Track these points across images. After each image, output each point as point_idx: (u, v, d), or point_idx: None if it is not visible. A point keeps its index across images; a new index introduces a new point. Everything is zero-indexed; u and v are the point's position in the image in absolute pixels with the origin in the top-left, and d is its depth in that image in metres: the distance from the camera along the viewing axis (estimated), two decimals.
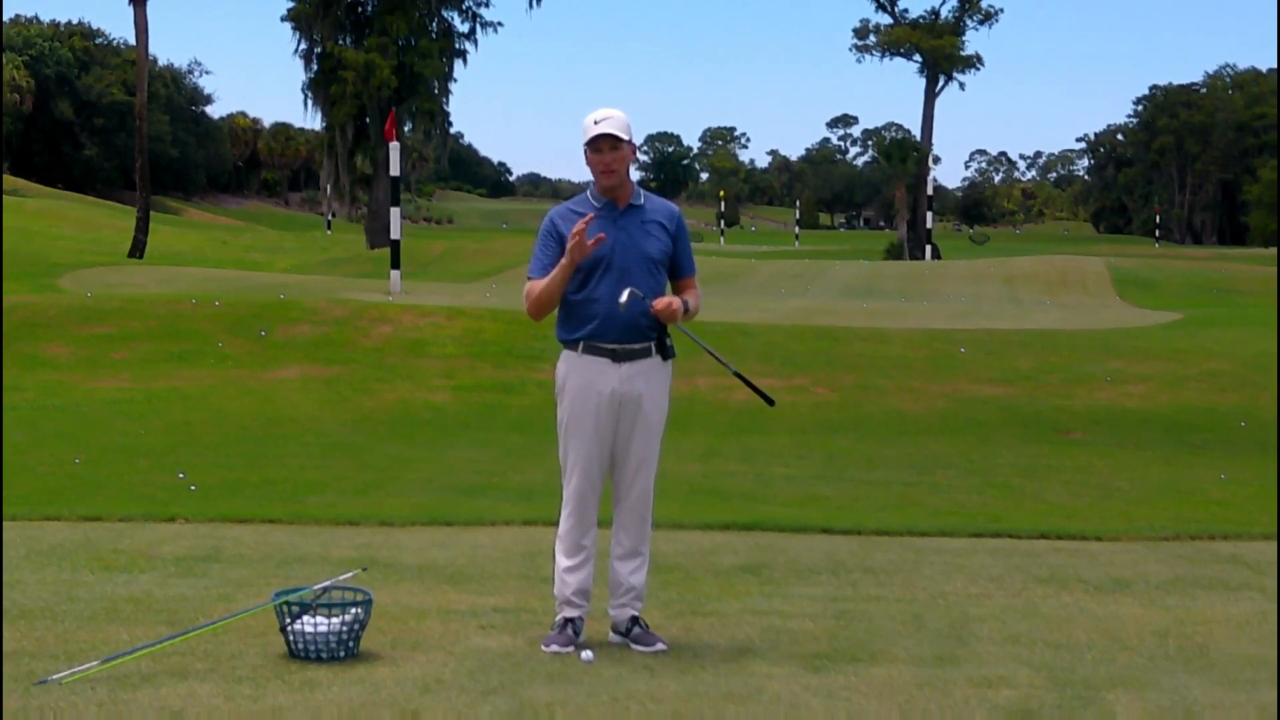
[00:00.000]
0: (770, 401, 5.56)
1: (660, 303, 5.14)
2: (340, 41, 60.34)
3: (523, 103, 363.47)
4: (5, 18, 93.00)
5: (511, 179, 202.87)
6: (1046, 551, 7.45)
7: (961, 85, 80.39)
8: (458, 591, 6.10)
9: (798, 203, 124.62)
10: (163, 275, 33.69)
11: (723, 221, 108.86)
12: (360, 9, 61.46)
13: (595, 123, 5.13)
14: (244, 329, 21.44)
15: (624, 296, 5.06)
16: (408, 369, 19.72)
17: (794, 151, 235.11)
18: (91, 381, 18.85)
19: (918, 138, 77.13)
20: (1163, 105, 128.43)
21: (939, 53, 75.41)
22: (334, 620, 4.93)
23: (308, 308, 22.93)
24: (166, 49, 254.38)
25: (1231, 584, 6.63)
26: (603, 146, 5.15)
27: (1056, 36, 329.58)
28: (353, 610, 4.99)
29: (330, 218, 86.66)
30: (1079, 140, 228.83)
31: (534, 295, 5.22)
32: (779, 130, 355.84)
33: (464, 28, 62.10)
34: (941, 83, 76.91)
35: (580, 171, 5.33)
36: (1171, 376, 19.63)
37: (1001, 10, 78.03)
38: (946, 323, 25.75)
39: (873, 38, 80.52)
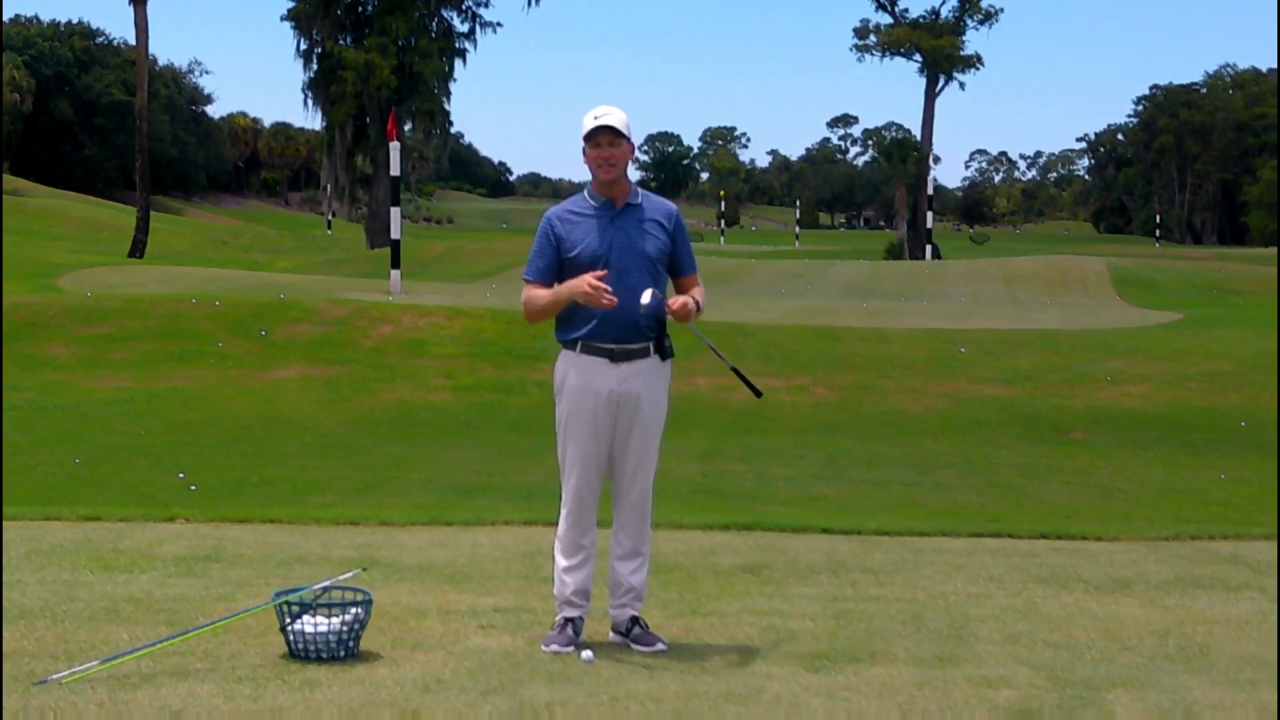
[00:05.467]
0: (758, 393, 5.56)
1: (675, 303, 5.13)
2: (340, 41, 60.39)
3: (523, 103, 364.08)
4: (5, 18, 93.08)
5: (511, 179, 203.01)
6: (1046, 551, 7.44)
7: (961, 85, 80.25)
8: (458, 591, 6.10)
9: (798, 203, 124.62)
10: (163, 275, 33.69)
11: (723, 221, 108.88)
12: (360, 9, 61.50)
13: (595, 118, 5.14)
14: (244, 329, 21.44)
15: (646, 298, 5.07)
16: (408, 369, 19.73)
17: (794, 151, 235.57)
18: (91, 381, 18.86)
19: (918, 138, 77.16)
20: (1163, 105, 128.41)
21: (939, 53, 75.37)
22: (334, 620, 4.92)
23: (308, 308, 22.93)
24: (166, 49, 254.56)
25: (1231, 584, 6.62)
26: (602, 141, 5.15)
27: (1056, 36, 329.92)
28: (353, 610, 4.98)
29: (330, 218, 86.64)
30: (1079, 140, 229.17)
31: (532, 307, 5.23)
32: (779, 130, 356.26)
33: (464, 28, 62.29)
34: (941, 83, 76.86)
35: (580, 171, 5.32)
36: (1171, 376, 19.63)
37: (1001, 10, 78.03)
38: (946, 323, 25.75)
39: (873, 38, 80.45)
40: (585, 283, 5.00)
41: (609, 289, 4.99)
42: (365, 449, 14.42)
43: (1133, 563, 7.13)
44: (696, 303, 5.20)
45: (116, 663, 4.73)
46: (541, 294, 5.19)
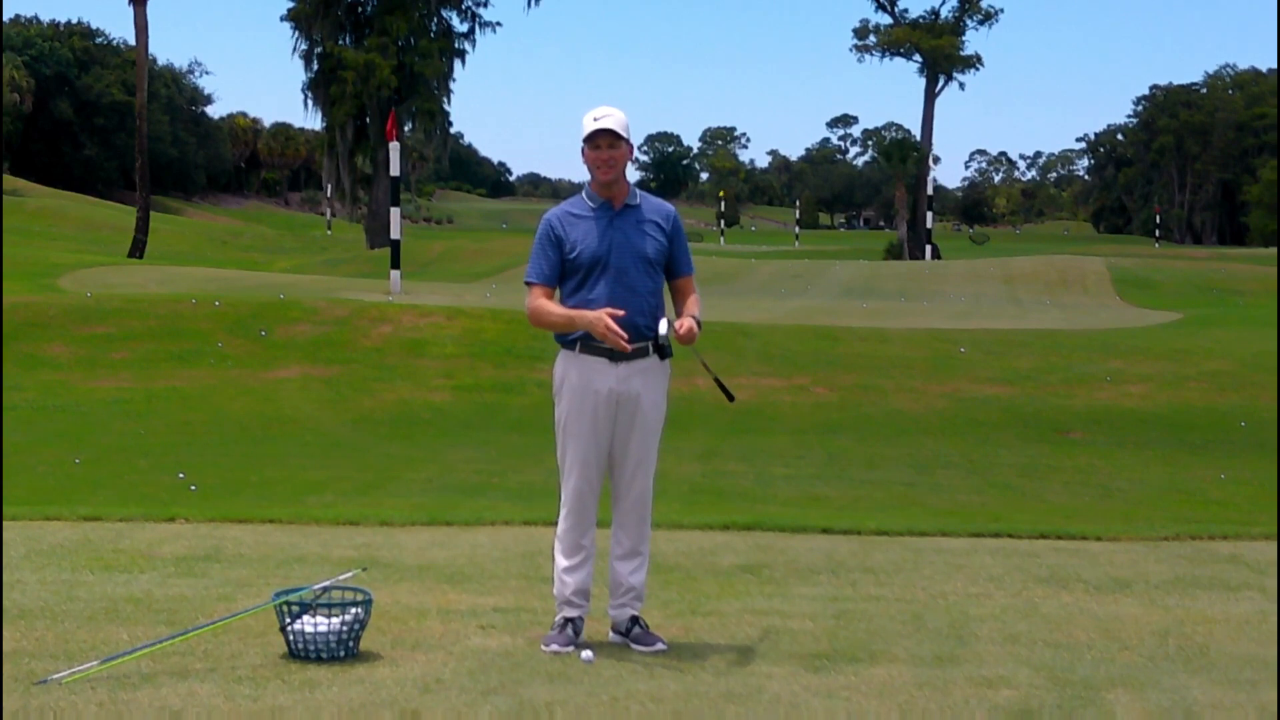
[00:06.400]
0: (730, 397, 5.55)
1: (683, 327, 5.13)
2: (340, 41, 60.43)
3: (523, 103, 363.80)
4: (5, 18, 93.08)
5: (511, 179, 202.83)
6: (1046, 551, 7.44)
7: (961, 85, 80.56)
8: (458, 591, 6.10)
9: (798, 203, 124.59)
10: (163, 275, 33.69)
11: (723, 221, 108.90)
12: (360, 9, 61.52)
13: (595, 119, 5.14)
14: (244, 329, 21.44)
15: (663, 329, 5.11)
16: (408, 369, 19.73)
17: (794, 151, 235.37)
18: (91, 381, 18.86)
19: (918, 138, 77.19)
20: (1163, 105, 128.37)
21: (939, 53, 75.45)
22: (334, 620, 4.92)
23: (308, 308, 22.93)
24: (166, 49, 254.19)
25: (1231, 584, 6.62)
26: (601, 143, 5.16)
27: (1056, 36, 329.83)
28: (353, 610, 4.98)
29: (330, 218, 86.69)
30: (1079, 140, 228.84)
31: (541, 320, 5.22)
32: (779, 130, 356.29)
33: (463, 28, 62.33)
34: (941, 83, 76.96)
35: (579, 171, 5.33)
36: (1171, 376, 19.64)
37: (1001, 10, 78.15)
38: (946, 323, 25.77)
39: (873, 38, 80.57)
40: (602, 322, 5.01)
41: (624, 335, 5.01)
42: (365, 449, 14.42)
43: (1133, 563, 7.13)
44: (698, 322, 5.22)
45: (116, 663, 4.73)
46: (555, 311, 5.18)
